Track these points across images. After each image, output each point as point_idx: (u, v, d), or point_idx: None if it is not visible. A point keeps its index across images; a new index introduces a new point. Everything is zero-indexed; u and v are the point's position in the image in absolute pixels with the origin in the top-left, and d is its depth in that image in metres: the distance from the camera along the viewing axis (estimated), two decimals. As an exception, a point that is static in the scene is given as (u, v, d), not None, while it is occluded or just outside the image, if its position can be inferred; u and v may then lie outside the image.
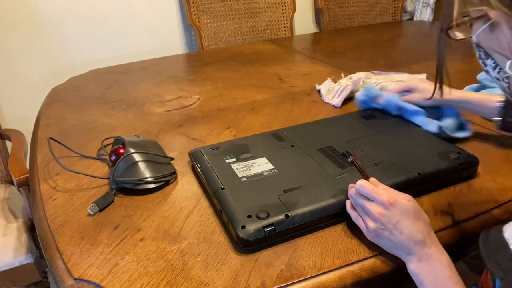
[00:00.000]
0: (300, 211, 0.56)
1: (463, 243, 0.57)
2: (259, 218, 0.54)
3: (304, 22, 2.05)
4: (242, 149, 0.72)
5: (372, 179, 0.55)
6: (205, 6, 1.69)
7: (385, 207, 0.50)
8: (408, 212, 0.49)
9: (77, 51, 1.61)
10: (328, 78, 1.10)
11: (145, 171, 0.67)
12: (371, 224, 0.51)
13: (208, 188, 0.64)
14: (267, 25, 1.82)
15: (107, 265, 0.52)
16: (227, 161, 0.69)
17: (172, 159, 0.75)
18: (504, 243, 0.42)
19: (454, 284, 0.46)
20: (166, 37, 1.76)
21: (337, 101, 0.99)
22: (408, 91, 0.83)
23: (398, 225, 0.49)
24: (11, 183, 1.32)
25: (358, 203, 0.54)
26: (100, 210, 0.63)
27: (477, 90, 0.98)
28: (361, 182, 0.53)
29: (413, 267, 0.48)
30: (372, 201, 0.52)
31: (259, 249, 0.54)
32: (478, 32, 0.41)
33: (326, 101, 1.01)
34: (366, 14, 2.05)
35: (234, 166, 0.67)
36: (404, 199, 0.50)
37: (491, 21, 0.39)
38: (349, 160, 0.58)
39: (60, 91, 1.19)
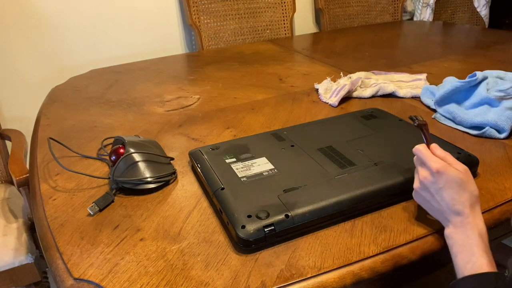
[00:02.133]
0: (300, 211, 0.56)
1: (463, 243, 0.57)
2: (259, 218, 0.54)
3: (304, 22, 2.05)
4: (242, 149, 0.72)
5: (433, 145, 0.56)
6: (205, 6, 1.69)
7: (431, 173, 0.52)
8: (453, 182, 0.51)
9: (77, 51, 1.61)
10: (327, 78, 1.10)
11: (145, 171, 0.67)
12: (416, 184, 0.55)
13: (208, 188, 0.64)
14: (267, 25, 1.82)
15: (107, 265, 0.52)
16: (227, 161, 0.69)
17: (172, 159, 0.75)
18: None
19: (480, 251, 0.47)
20: (166, 37, 1.76)
21: (334, 100, 0.99)
22: None
23: (440, 192, 0.51)
24: (11, 183, 1.32)
25: (415, 164, 0.57)
26: (100, 210, 0.63)
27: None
28: (419, 146, 0.56)
29: (448, 232, 0.51)
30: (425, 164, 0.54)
31: (259, 249, 0.54)
32: None
33: (324, 100, 1.01)
34: (366, 14, 2.05)
35: (234, 166, 0.67)
36: (454, 170, 0.51)
37: None
38: (415, 124, 0.58)
39: (60, 91, 1.19)
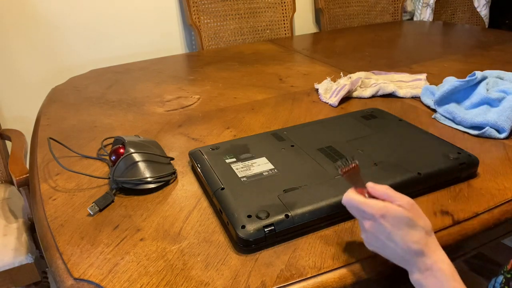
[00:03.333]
0: (300, 211, 0.56)
1: (463, 243, 0.57)
2: (259, 218, 0.54)
3: (304, 22, 2.05)
4: (242, 149, 0.72)
5: (368, 184, 0.50)
6: (205, 6, 1.69)
7: (374, 219, 0.47)
8: (400, 222, 0.45)
9: (77, 51, 1.61)
10: (327, 78, 1.10)
11: (145, 171, 0.67)
12: (363, 235, 0.50)
13: (208, 188, 0.64)
14: (267, 25, 1.82)
15: (107, 265, 0.52)
16: (227, 161, 0.69)
17: (172, 159, 0.75)
18: None
19: None
20: (166, 37, 1.76)
21: (334, 100, 0.99)
22: None
23: (390, 236, 0.46)
24: (11, 183, 1.32)
25: (353, 214, 0.50)
26: (100, 210, 0.63)
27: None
28: (348, 195, 0.49)
29: (415, 278, 0.46)
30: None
31: (259, 249, 0.54)
32: None
33: (324, 100, 1.01)
34: (366, 14, 2.05)
35: (234, 166, 0.67)
36: (397, 209, 0.46)
37: None
38: (340, 173, 0.50)
39: (60, 91, 1.19)
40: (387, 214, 0.46)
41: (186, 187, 0.69)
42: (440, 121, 0.88)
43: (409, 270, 0.47)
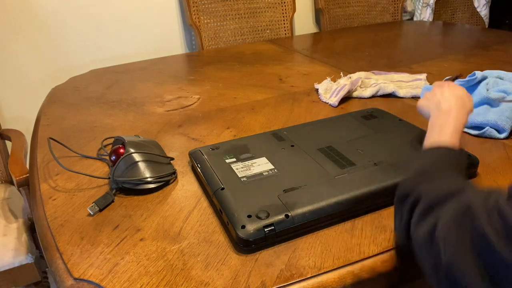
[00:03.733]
0: (300, 211, 0.56)
1: (463, 243, 0.57)
2: (259, 218, 0.54)
3: (304, 22, 2.05)
4: (242, 149, 0.72)
5: None
6: (205, 6, 1.69)
7: (441, 87, 0.63)
8: (457, 91, 0.61)
9: (77, 51, 1.61)
10: (327, 78, 1.10)
11: (145, 171, 0.67)
12: (423, 96, 0.66)
13: (208, 188, 0.64)
14: (267, 25, 1.82)
15: (107, 265, 0.52)
16: (227, 161, 0.69)
17: (172, 159, 0.75)
18: None
19: (448, 134, 0.55)
20: (166, 37, 1.76)
21: (334, 100, 0.99)
22: None
23: (443, 94, 0.61)
24: (11, 183, 1.32)
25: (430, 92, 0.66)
26: (100, 210, 0.63)
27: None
28: (439, 82, 0.68)
29: (431, 121, 0.60)
30: None
31: (259, 249, 0.54)
32: None
33: (324, 100, 1.01)
34: (366, 14, 2.05)
35: (234, 166, 0.67)
36: (464, 90, 0.62)
37: None
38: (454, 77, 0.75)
39: (60, 91, 1.19)
40: (455, 86, 0.63)
41: (186, 187, 0.69)
42: None
43: (431, 113, 0.61)
